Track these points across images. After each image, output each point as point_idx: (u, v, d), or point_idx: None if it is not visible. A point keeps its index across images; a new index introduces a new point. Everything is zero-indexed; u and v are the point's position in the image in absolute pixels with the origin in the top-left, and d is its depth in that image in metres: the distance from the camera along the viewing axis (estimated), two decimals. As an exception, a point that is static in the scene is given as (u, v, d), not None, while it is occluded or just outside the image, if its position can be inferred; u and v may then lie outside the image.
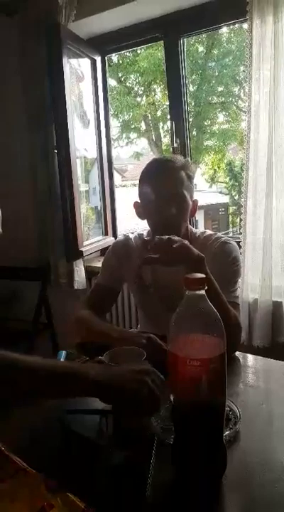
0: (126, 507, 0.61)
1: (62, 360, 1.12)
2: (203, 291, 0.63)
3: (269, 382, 1.09)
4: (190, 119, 2.42)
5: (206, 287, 0.63)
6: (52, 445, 0.79)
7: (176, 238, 1.06)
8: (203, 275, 0.64)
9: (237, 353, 1.14)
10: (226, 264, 1.25)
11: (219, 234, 1.33)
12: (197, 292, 0.63)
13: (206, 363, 0.61)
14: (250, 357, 1.15)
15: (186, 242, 1.07)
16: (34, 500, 0.55)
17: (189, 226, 1.32)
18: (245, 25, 1.92)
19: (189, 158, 1.31)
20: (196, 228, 1.46)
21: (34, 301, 2.40)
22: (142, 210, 1.26)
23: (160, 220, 1.20)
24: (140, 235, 1.39)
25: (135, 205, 1.28)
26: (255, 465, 0.71)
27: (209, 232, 1.35)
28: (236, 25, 4.76)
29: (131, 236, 1.40)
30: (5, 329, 2.43)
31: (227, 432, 0.76)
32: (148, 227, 1.32)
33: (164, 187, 1.19)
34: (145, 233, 1.38)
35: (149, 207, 1.22)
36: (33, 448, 0.74)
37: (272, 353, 1.39)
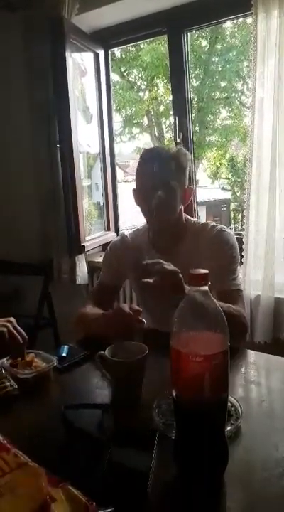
0: (127, 502, 0.61)
1: (64, 355, 1.12)
2: (206, 287, 0.63)
3: (270, 378, 1.09)
4: (193, 115, 2.40)
5: (209, 283, 0.63)
6: (54, 440, 0.79)
7: (165, 264, 1.06)
8: (206, 271, 0.64)
9: (239, 349, 1.14)
10: (224, 251, 1.29)
11: (215, 223, 1.37)
12: (200, 288, 0.63)
13: (208, 359, 0.61)
14: (251, 353, 1.15)
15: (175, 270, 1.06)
16: (36, 494, 0.55)
17: (185, 214, 1.37)
18: (249, 20, 1.90)
19: (182, 148, 1.34)
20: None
21: (36, 297, 2.40)
22: (136, 196, 1.32)
23: (147, 206, 1.27)
24: (135, 230, 1.46)
25: (133, 191, 1.34)
26: (257, 461, 0.72)
27: (204, 221, 1.40)
28: (240, 20, 4.72)
29: (127, 233, 1.47)
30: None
31: (228, 428, 0.76)
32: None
33: (152, 175, 1.25)
34: (140, 227, 1.45)
35: (140, 193, 1.29)
36: (35, 442, 0.74)
37: (274, 350, 1.39)
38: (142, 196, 1.29)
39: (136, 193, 1.32)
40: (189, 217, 1.40)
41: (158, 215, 1.26)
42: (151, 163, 1.26)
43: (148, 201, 1.26)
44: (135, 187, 1.32)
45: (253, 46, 1.84)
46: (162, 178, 1.24)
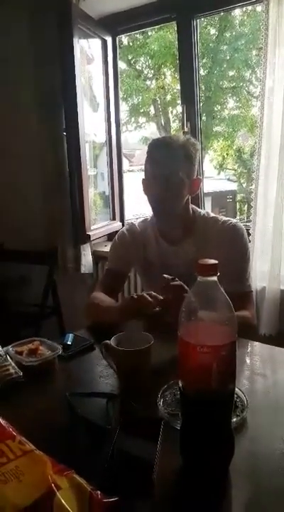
0: (133, 491, 0.61)
1: (68, 343, 1.12)
2: (215, 278, 0.62)
3: (276, 370, 1.08)
4: (200, 104, 2.36)
5: (218, 273, 0.62)
6: (59, 428, 0.79)
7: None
8: (215, 261, 0.63)
9: (244, 341, 1.13)
10: (238, 247, 1.29)
11: (227, 218, 1.36)
12: (209, 278, 0.62)
13: (216, 350, 0.60)
14: (257, 345, 1.15)
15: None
16: (41, 482, 0.55)
17: (193, 206, 1.36)
18: (259, 8, 1.86)
19: (191, 137, 1.32)
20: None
21: (41, 285, 2.40)
22: (144, 185, 1.32)
23: (153, 196, 1.27)
24: (144, 220, 1.45)
25: (142, 181, 1.33)
26: (262, 452, 0.71)
27: (214, 214, 1.38)
28: (250, 8, 4.64)
29: (135, 222, 1.46)
30: (12, 312, 2.44)
31: (234, 419, 0.76)
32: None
33: (160, 165, 1.24)
34: (148, 216, 1.44)
35: (147, 184, 1.29)
36: (40, 430, 0.74)
37: (279, 342, 1.38)
38: (149, 186, 1.28)
39: (145, 182, 1.31)
40: (198, 209, 1.38)
41: (165, 205, 1.25)
42: (159, 153, 1.25)
43: (155, 191, 1.25)
44: (144, 177, 1.31)
45: (263, 34, 1.80)
46: (170, 168, 1.22)
